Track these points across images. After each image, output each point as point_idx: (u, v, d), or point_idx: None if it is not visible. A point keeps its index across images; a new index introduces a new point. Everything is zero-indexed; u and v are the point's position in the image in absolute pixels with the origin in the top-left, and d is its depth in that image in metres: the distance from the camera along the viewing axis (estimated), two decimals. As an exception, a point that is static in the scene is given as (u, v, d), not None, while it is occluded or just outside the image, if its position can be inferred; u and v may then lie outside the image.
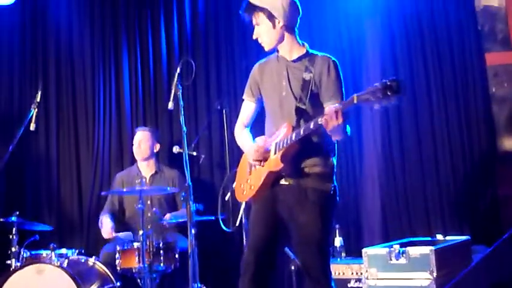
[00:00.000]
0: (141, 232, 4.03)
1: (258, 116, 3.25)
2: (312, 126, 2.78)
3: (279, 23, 2.99)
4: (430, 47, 5.01)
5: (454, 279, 2.97)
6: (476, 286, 2.95)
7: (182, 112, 3.85)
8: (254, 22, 3.05)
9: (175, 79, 3.81)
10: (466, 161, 4.86)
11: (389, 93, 2.46)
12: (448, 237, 4.00)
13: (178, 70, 3.81)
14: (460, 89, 4.93)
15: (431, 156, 4.93)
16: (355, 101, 2.60)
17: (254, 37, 3.08)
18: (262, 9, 2.98)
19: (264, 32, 3.03)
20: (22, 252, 4.11)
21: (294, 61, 3.05)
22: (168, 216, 4.54)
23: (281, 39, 3.04)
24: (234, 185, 3.34)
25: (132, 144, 4.96)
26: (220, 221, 4.11)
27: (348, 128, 2.92)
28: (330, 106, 2.81)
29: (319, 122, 2.70)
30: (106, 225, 4.59)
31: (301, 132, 2.83)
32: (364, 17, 5.14)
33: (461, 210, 4.80)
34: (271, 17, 2.98)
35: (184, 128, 3.86)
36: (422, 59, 5.03)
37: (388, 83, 2.46)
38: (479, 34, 4.97)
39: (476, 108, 4.89)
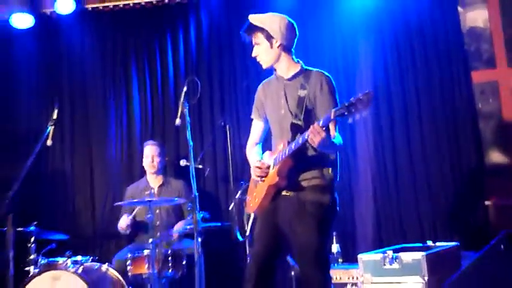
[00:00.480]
0: (150, 240, 4.05)
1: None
2: (300, 141, 2.80)
3: (276, 42, 3.02)
4: (420, 66, 5.07)
5: (445, 283, 2.99)
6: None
7: (189, 128, 3.87)
8: (254, 42, 3.09)
9: (182, 97, 3.82)
10: (455, 173, 4.90)
11: (360, 107, 2.49)
12: (438, 243, 4.00)
13: (184, 89, 3.82)
14: (449, 105, 4.98)
15: (422, 169, 4.96)
16: (332, 116, 2.62)
17: (253, 55, 3.12)
18: (261, 30, 3.03)
19: (263, 51, 3.07)
20: (40, 260, 4.13)
21: (289, 79, 3.08)
22: (177, 227, 4.59)
23: (277, 59, 3.07)
24: (244, 197, 3.37)
25: (142, 159, 5.00)
26: (238, 232, 4.13)
27: (339, 139, 2.94)
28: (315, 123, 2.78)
29: (305, 137, 2.73)
30: (123, 219, 4.68)
31: (292, 147, 2.85)
32: (358, 37, 5.19)
33: (450, 218, 4.83)
34: (269, 37, 3.02)
35: (191, 143, 3.89)
36: (413, 77, 5.08)
37: (361, 97, 2.49)
38: (466, 53, 5.02)
39: (464, 124, 4.93)
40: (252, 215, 3.71)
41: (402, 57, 5.12)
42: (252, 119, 3.31)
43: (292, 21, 3.10)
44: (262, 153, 3.20)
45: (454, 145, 4.94)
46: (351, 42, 5.21)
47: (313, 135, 2.65)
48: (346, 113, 2.53)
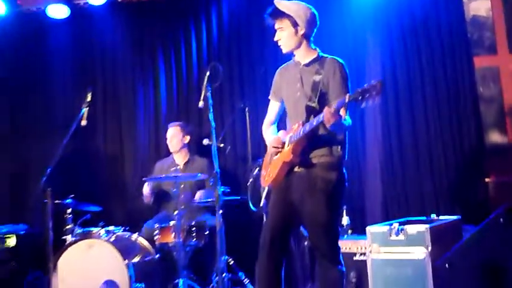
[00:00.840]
0: (176, 212, 4.08)
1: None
2: (314, 123, 2.80)
3: (300, 30, 2.98)
4: (425, 53, 4.99)
5: (447, 253, 2.98)
6: (468, 260, 2.96)
7: (211, 110, 3.87)
8: (277, 26, 3.03)
9: (205, 82, 3.82)
10: (456, 153, 4.85)
11: (374, 93, 2.47)
12: (441, 217, 3.96)
13: (207, 74, 3.82)
14: (452, 89, 4.91)
15: (425, 149, 4.93)
16: (346, 101, 2.62)
17: (275, 39, 3.06)
18: (288, 16, 2.97)
19: (286, 37, 3.02)
20: (76, 229, 4.19)
21: (306, 65, 3.05)
22: (198, 195, 4.57)
23: (299, 45, 3.04)
24: (260, 173, 3.36)
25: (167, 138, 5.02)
26: (250, 203, 4.13)
27: (349, 121, 2.93)
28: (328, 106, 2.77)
29: (320, 119, 2.72)
30: (144, 187, 4.77)
31: (307, 128, 2.84)
32: (367, 26, 5.13)
33: (452, 194, 4.79)
34: (295, 24, 2.97)
35: (213, 124, 3.88)
36: (418, 64, 5.01)
37: (374, 84, 2.48)
38: (468, 41, 4.93)
39: (466, 107, 4.86)
40: (266, 189, 3.69)
41: (408, 45, 5.04)
42: (269, 100, 3.28)
43: (315, 12, 3.06)
44: (277, 132, 3.20)
45: (456, 127, 4.89)
46: (361, 31, 5.14)
47: (328, 118, 2.66)
48: (360, 98, 2.52)
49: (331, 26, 5.04)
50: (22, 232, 4.93)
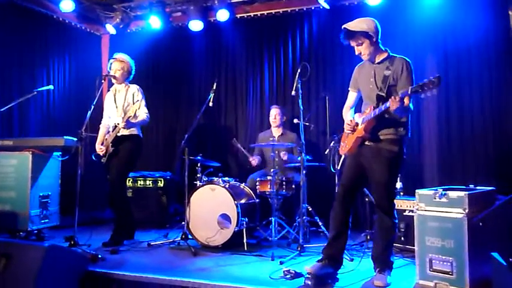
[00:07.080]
0: (272, 170, 4.13)
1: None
2: (382, 108, 2.72)
3: (374, 39, 2.85)
4: (474, 54, 4.58)
5: (482, 214, 2.77)
6: (497, 220, 2.74)
7: (300, 97, 3.83)
8: (355, 43, 2.89)
9: (297, 76, 3.79)
10: (495, 137, 4.44)
11: (431, 86, 2.37)
12: (478, 187, 3.66)
13: (299, 70, 3.79)
14: (494, 85, 4.48)
15: (470, 134, 4.56)
16: (409, 92, 2.53)
17: (357, 53, 2.93)
18: (361, 33, 2.84)
19: (365, 48, 2.88)
20: (203, 177, 4.32)
21: (378, 63, 2.92)
22: (285, 156, 4.58)
23: (374, 50, 2.90)
24: (340, 144, 3.31)
25: (268, 116, 5.03)
26: (331, 167, 4.08)
27: (411, 106, 2.77)
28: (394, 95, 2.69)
29: (387, 105, 2.65)
30: (253, 159, 4.83)
31: (376, 112, 2.76)
32: (427, 33, 4.76)
33: (491, 171, 4.40)
34: (368, 36, 2.83)
35: (301, 107, 3.85)
36: (467, 62, 4.61)
37: (432, 79, 2.38)
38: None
39: (506, 101, 4.40)
40: (343, 156, 3.62)
41: (460, 48, 4.63)
42: (348, 91, 3.19)
43: (376, 21, 2.91)
44: (354, 114, 3.12)
45: (497, 117, 4.44)
46: (421, 37, 4.78)
47: (392, 104, 2.61)
48: (420, 90, 2.45)
49: (397, 35, 4.75)
50: (168, 177, 5.23)
